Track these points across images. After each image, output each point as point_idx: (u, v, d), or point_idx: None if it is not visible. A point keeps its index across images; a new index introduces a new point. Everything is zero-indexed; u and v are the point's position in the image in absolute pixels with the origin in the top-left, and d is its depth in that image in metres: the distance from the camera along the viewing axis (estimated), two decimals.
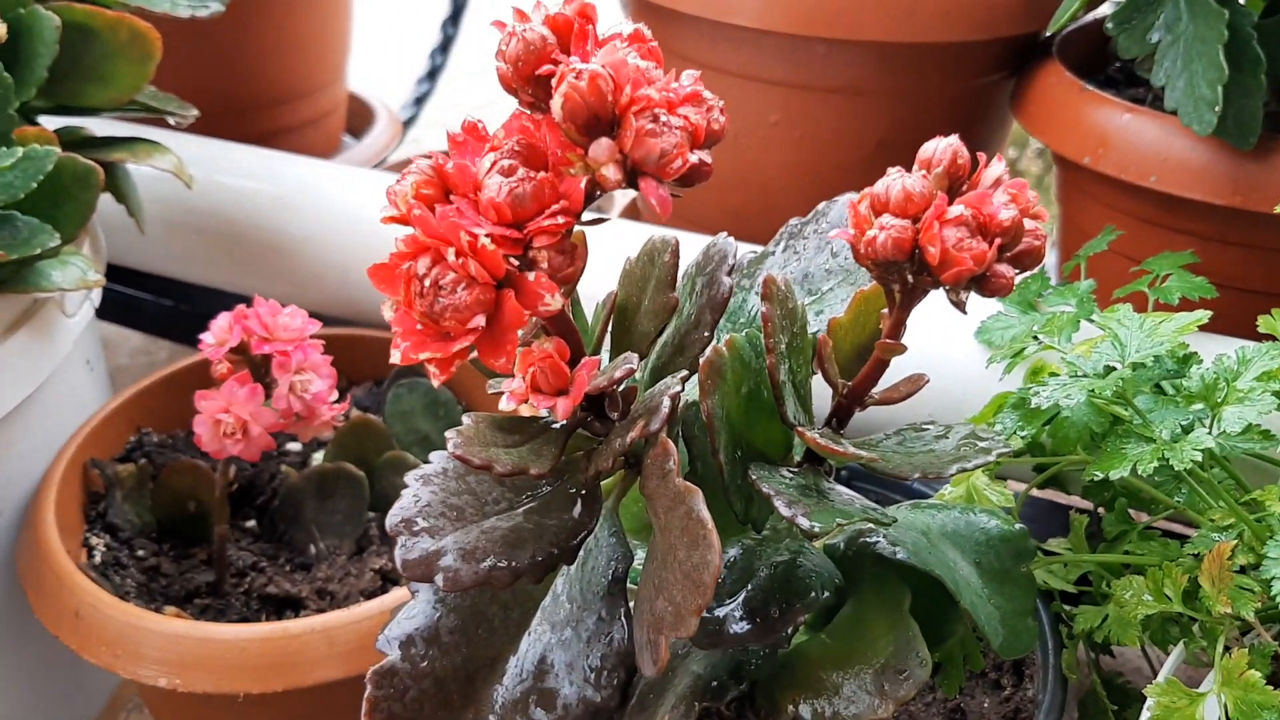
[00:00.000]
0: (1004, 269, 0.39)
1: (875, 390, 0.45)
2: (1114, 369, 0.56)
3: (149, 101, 0.81)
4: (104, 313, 0.78)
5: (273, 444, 0.67)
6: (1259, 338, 0.58)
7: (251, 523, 0.79)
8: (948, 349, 0.72)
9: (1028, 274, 0.56)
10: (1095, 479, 0.54)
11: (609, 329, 0.46)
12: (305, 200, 0.93)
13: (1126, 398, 0.56)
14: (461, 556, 0.40)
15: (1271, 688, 0.47)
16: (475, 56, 1.62)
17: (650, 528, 0.48)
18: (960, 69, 0.92)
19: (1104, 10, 0.90)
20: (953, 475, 0.43)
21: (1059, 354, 0.62)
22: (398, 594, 0.67)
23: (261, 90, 1.17)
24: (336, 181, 0.95)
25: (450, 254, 0.36)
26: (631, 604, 0.44)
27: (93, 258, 0.76)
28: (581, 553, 0.45)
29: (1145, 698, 0.50)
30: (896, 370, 0.44)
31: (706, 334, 0.44)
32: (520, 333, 0.37)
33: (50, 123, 0.78)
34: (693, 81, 0.38)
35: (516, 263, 0.37)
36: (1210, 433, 0.53)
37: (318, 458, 0.81)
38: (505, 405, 0.39)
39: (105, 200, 0.73)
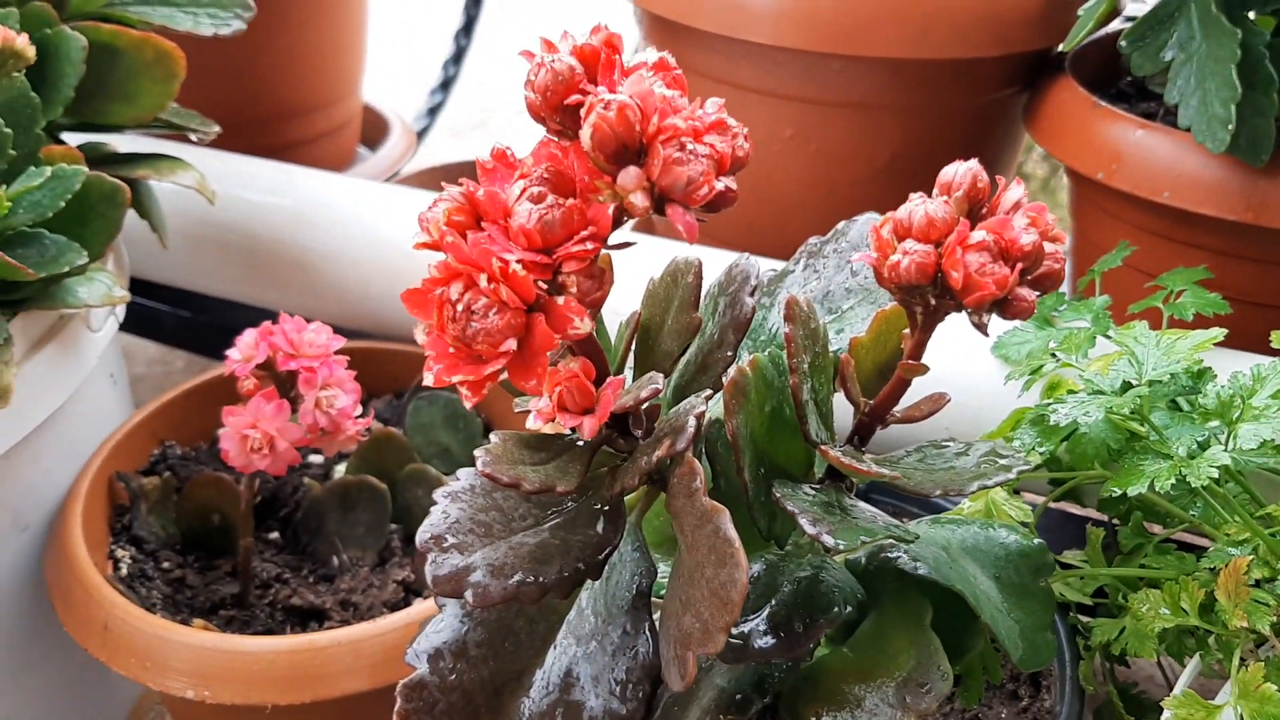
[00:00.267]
0: (1025, 292, 0.39)
1: (896, 409, 0.46)
2: (1131, 385, 0.57)
3: (172, 118, 0.81)
4: (122, 324, 0.79)
5: (298, 458, 0.68)
6: (1272, 353, 0.59)
7: (275, 534, 0.80)
8: (965, 365, 0.72)
9: None
10: (1113, 494, 0.55)
11: (632, 347, 0.47)
12: (325, 215, 0.93)
13: (1144, 415, 0.57)
14: (490, 572, 0.41)
15: None
16: (478, 65, 1.64)
17: (672, 540, 0.48)
18: (974, 85, 0.93)
19: (1116, 25, 0.90)
20: (973, 492, 0.44)
21: (1076, 370, 0.63)
22: (422, 606, 0.67)
23: (278, 103, 1.18)
24: (354, 196, 0.95)
25: (482, 280, 0.36)
26: (655, 617, 0.45)
27: (117, 274, 0.76)
28: (606, 568, 0.45)
29: (1160, 708, 0.50)
30: (916, 385, 0.45)
31: (729, 353, 0.45)
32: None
33: (74, 138, 0.79)
34: (717, 109, 0.39)
35: (546, 287, 0.38)
36: (1226, 449, 0.54)
37: (340, 470, 0.82)
38: (532, 424, 0.39)
39: (128, 215, 0.74)
